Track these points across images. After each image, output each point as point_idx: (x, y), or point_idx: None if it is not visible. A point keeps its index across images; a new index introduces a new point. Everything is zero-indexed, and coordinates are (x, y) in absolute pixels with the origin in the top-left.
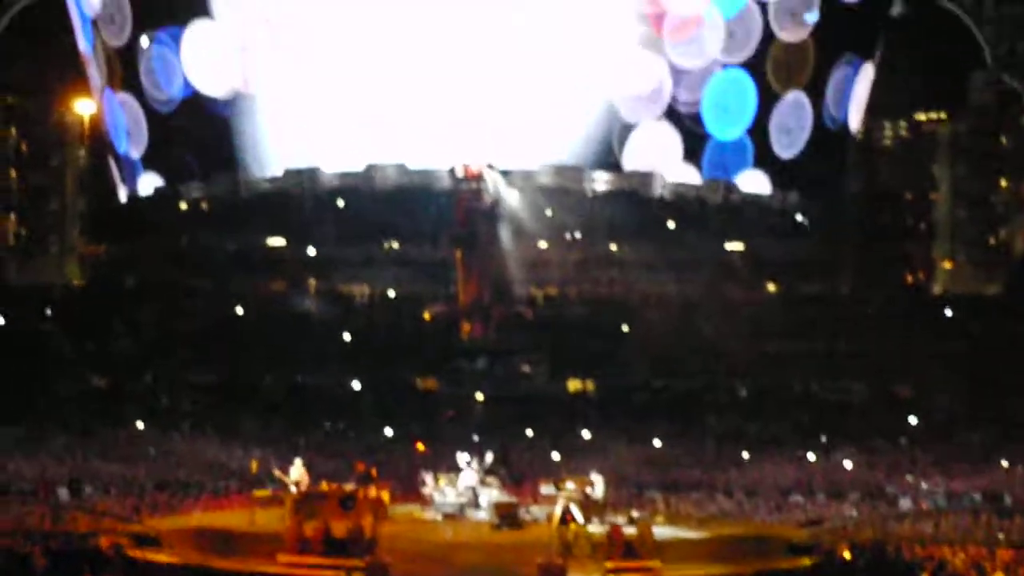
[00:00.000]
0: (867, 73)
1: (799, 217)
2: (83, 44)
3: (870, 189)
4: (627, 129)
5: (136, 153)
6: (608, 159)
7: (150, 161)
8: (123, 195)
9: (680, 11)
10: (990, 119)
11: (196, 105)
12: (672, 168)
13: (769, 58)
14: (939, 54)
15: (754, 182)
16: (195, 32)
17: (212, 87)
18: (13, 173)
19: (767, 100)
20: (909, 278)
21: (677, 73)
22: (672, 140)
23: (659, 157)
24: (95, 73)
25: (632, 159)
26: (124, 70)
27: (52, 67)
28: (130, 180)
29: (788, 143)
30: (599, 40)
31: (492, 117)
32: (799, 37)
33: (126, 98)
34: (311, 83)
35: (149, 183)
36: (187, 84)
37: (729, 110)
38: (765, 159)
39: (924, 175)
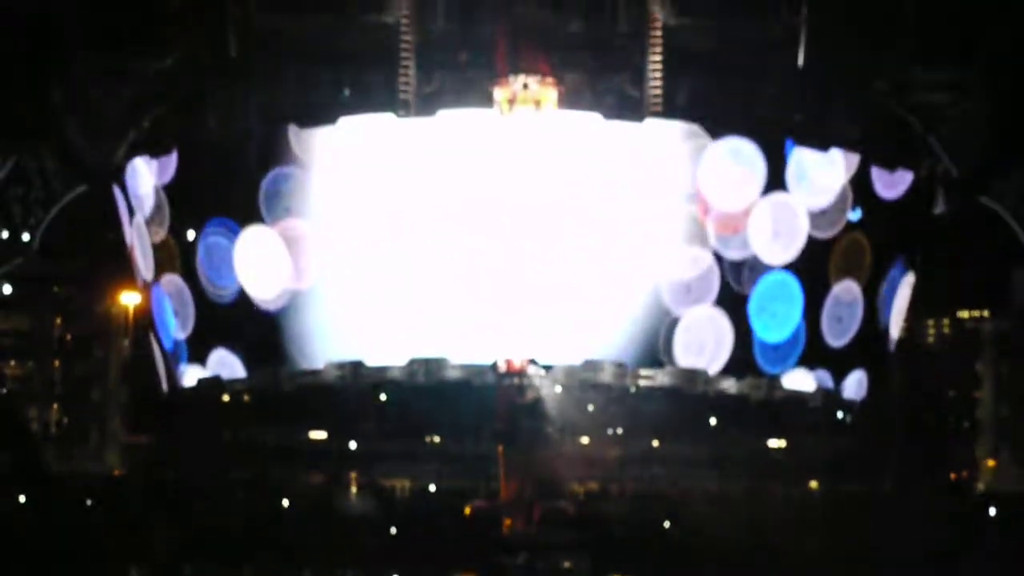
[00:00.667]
0: (910, 277)
1: (841, 415)
2: (129, 235)
3: (913, 386)
4: (673, 324)
5: (182, 341)
6: (652, 355)
7: (195, 351)
8: (165, 386)
9: (727, 207)
10: None
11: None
12: (718, 363)
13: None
14: (981, 252)
15: (800, 380)
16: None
17: (262, 287)
18: (56, 363)
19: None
20: (953, 476)
21: (724, 266)
22: (720, 335)
23: (705, 353)
24: (141, 265)
25: (677, 355)
26: (179, 260)
27: (98, 258)
28: (174, 372)
29: (840, 332)
30: (645, 232)
31: (535, 311)
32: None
33: (179, 287)
34: (357, 278)
35: (194, 375)
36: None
37: (777, 315)
38: (812, 356)
39: (967, 373)
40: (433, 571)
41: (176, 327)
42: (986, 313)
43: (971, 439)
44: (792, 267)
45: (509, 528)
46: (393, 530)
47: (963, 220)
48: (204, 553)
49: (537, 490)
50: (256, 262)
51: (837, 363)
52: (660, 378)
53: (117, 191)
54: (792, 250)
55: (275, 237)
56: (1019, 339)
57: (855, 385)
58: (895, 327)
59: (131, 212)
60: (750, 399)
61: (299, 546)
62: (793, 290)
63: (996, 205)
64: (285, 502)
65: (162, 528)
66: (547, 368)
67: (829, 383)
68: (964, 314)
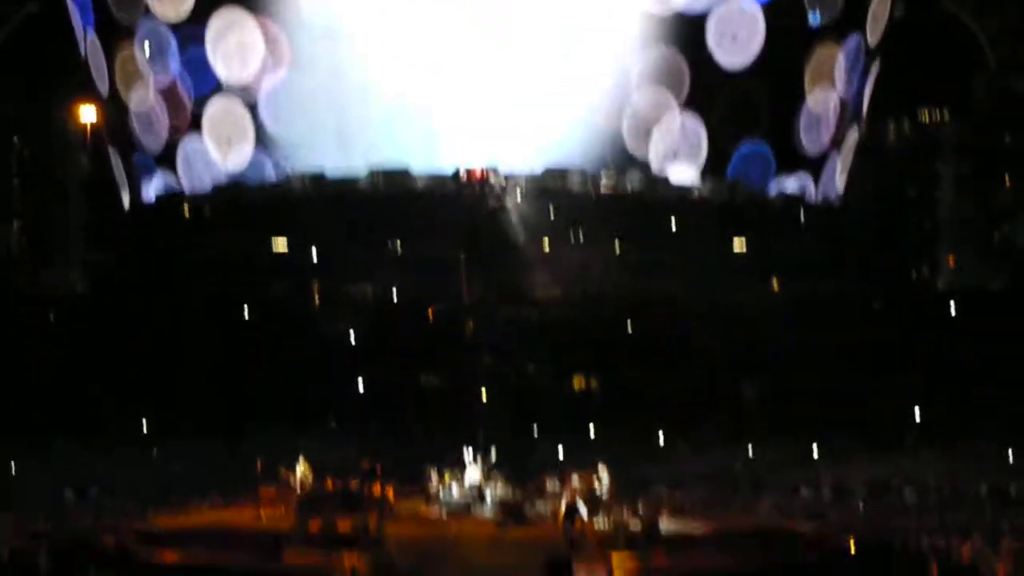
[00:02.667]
0: (872, 79)
1: (803, 216)
2: (84, 51)
3: (875, 187)
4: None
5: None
6: (616, 160)
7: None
8: (126, 202)
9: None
10: (992, 119)
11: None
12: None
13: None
14: (942, 54)
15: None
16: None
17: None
18: (16, 183)
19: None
20: (914, 274)
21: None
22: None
23: (671, 158)
24: (98, 80)
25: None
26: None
27: (53, 75)
28: (135, 188)
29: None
30: (608, 35)
31: (496, 119)
32: None
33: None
34: (316, 87)
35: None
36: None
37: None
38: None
39: (928, 173)
40: (397, 375)
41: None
42: (946, 114)
43: (932, 238)
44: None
45: (472, 332)
46: (356, 336)
47: (924, 22)
48: (170, 367)
49: (499, 294)
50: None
51: (813, 165)
52: (622, 184)
53: (71, 4)
54: (749, 53)
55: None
56: (979, 139)
57: (825, 186)
58: (859, 130)
59: (85, 28)
60: (711, 202)
61: (264, 355)
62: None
63: (956, 8)
64: (249, 313)
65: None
66: (508, 176)
67: (809, 184)
68: (924, 116)
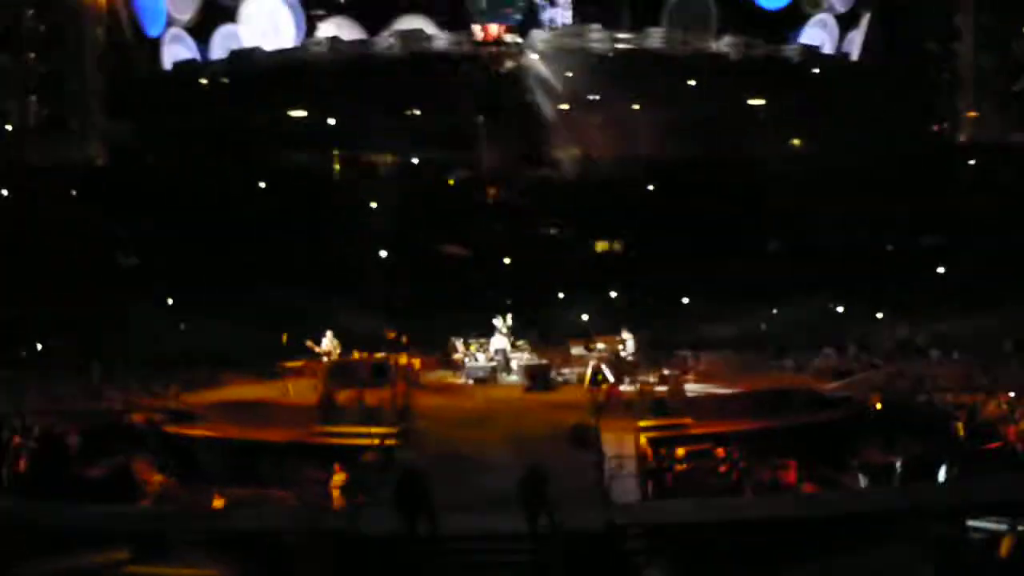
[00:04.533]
0: None
1: (819, 71)
2: None
3: (892, 40)
4: None
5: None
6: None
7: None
8: (143, 72)
9: None
10: None
11: None
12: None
13: None
14: None
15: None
16: None
17: None
18: (31, 55)
19: None
20: (935, 128)
21: None
22: None
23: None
24: None
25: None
26: None
27: None
28: (152, 57)
29: None
30: None
31: None
32: None
33: None
34: None
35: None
36: None
37: None
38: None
39: (947, 25)
40: (420, 244)
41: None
42: None
43: (952, 91)
44: None
45: (493, 197)
46: (376, 204)
47: None
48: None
49: (519, 159)
50: None
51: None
52: (640, 41)
53: None
54: None
55: None
56: None
57: (851, 38)
58: None
59: None
60: (729, 58)
61: (285, 224)
62: None
63: None
64: (268, 182)
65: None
66: (525, 35)
67: (835, 37)
68: None
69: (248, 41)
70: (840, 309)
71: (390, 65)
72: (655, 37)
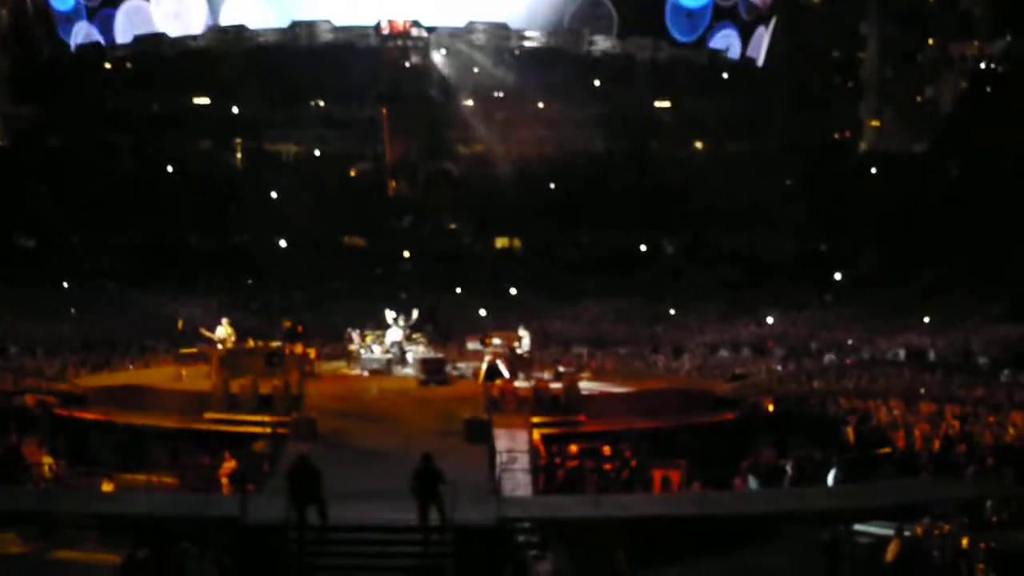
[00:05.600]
0: None
1: (726, 74)
2: None
3: (798, 47)
4: None
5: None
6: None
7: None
8: (47, 54)
9: None
10: None
11: None
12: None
13: None
14: None
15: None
16: None
17: None
18: None
19: None
20: (836, 136)
21: None
22: None
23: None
24: None
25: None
26: None
27: None
28: (57, 39)
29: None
30: None
31: None
32: None
33: None
34: None
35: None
36: None
37: None
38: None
39: (852, 33)
40: (319, 235)
41: None
42: None
43: (854, 99)
44: None
45: (394, 191)
46: (278, 194)
47: None
48: (88, 221)
49: (422, 152)
50: None
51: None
52: (544, 39)
53: None
54: None
55: None
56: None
57: (756, 44)
58: None
59: None
60: (635, 59)
61: (185, 211)
62: None
63: None
64: (170, 168)
65: (46, 197)
66: (430, 30)
67: (737, 42)
68: None
69: (156, 21)
70: (734, 309)
71: (295, 55)
72: (563, 35)
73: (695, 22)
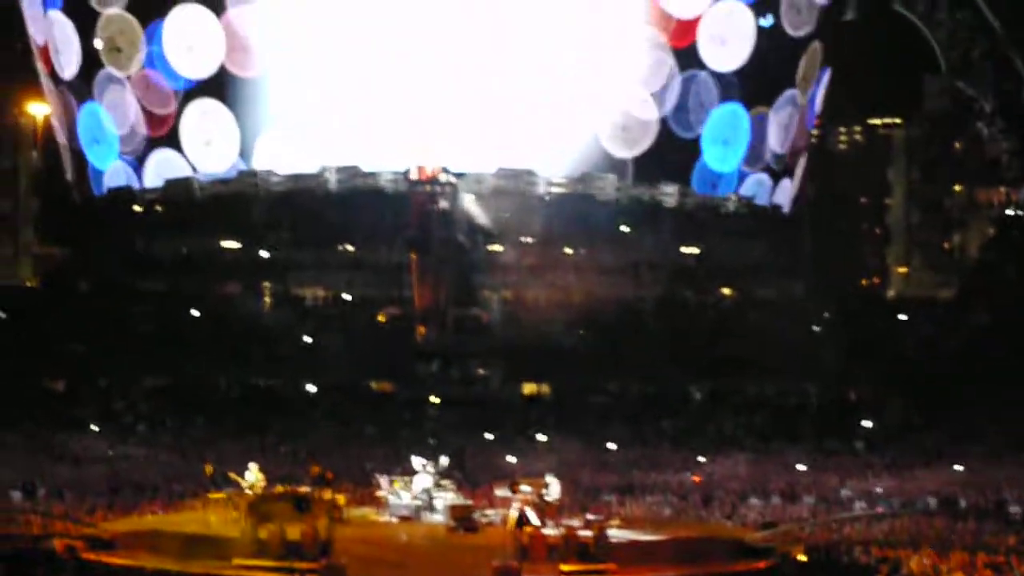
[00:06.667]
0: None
1: (754, 221)
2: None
3: (825, 193)
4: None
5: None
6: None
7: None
8: (77, 196)
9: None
10: (944, 124)
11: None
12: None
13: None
14: (893, 59)
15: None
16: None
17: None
18: None
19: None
20: (864, 282)
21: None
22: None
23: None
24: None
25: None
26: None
27: (4, 67)
28: (86, 181)
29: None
30: (563, 41)
31: (447, 119)
32: None
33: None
34: (269, 84)
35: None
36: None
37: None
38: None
39: (879, 180)
40: (347, 380)
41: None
42: (898, 120)
43: (882, 246)
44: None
45: (423, 336)
46: (306, 339)
47: (875, 27)
48: (117, 363)
49: (450, 298)
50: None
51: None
52: (572, 185)
53: None
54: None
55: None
56: (930, 146)
57: (783, 191)
58: (810, 135)
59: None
60: (662, 205)
61: (213, 355)
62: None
63: (907, 12)
64: (198, 311)
65: (75, 339)
66: (459, 175)
67: (768, 188)
68: (876, 121)
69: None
70: (766, 459)
71: (323, 199)
72: (590, 182)
73: (723, 185)
